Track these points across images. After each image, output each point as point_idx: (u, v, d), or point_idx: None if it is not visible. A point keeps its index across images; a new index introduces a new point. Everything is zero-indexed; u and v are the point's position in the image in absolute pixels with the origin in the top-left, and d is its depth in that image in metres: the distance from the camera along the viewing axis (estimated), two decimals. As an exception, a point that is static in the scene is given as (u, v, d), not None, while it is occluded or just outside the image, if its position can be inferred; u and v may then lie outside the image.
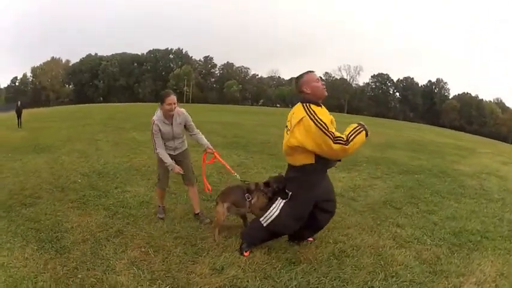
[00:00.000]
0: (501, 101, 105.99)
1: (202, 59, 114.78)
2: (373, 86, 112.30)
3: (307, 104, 3.76)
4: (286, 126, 3.96)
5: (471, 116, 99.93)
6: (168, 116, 4.86)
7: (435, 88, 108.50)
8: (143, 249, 4.30)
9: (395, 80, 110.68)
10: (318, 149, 3.66)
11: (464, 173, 11.09)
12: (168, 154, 4.95)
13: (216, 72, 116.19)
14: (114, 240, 4.55)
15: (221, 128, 15.99)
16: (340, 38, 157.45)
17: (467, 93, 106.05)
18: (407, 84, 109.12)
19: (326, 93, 3.94)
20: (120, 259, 4.07)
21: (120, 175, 7.96)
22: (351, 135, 3.66)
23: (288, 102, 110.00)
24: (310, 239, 4.65)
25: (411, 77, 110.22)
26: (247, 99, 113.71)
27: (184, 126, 5.09)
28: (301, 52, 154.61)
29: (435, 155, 14.37)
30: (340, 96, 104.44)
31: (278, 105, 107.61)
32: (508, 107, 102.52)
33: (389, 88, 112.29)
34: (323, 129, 3.58)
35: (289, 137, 3.78)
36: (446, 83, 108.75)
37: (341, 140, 3.60)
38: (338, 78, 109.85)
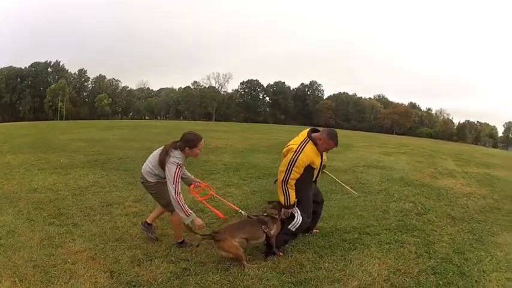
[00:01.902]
0: (383, 96, 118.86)
1: (77, 72, 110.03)
2: (242, 93, 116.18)
3: (310, 141, 4.93)
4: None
5: (348, 113, 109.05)
6: (185, 159, 4.80)
7: (308, 90, 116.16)
8: (12, 280, 4.05)
9: (265, 85, 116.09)
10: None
11: (336, 169, 11.54)
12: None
13: (89, 85, 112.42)
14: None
15: (86, 145, 15.48)
16: (211, 47, 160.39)
17: (344, 92, 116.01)
18: (278, 88, 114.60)
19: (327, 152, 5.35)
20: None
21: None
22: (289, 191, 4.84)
23: (156, 114, 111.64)
24: (315, 230, 5.72)
25: (282, 81, 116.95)
26: (117, 112, 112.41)
27: None
28: (170, 62, 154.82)
29: None
30: (208, 104, 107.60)
31: (147, 118, 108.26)
32: (391, 102, 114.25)
33: (259, 93, 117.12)
34: (290, 164, 4.78)
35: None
36: (320, 84, 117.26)
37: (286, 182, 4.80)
38: (207, 86, 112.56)
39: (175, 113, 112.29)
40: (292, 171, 4.73)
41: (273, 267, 4.47)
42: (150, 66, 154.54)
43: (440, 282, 4.41)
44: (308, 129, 5.19)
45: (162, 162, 4.65)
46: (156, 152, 4.90)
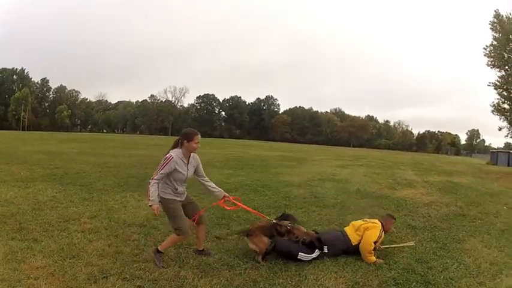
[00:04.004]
0: (340, 110, 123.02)
1: (40, 81, 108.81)
2: (198, 107, 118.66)
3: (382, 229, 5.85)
4: (365, 220, 6.07)
5: (304, 127, 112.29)
6: (187, 155, 5.12)
7: (264, 105, 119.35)
8: None
9: (221, 99, 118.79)
10: (366, 237, 5.65)
11: (290, 184, 11.66)
12: (175, 200, 5.12)
13: (50, 96, 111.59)
14: None
15: (46, 158, 15.47)
16: (168, 61, 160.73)
17: (300, 106, 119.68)
18: (233, 103, 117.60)
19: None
20: None
21: None
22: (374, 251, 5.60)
23: (113, 127, 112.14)
24: None
25: (238, 95, 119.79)
26: (77, 125, 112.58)
27: (195, 169, 5.29)
28: (128, 74, 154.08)
29: (257, 170, 15.01)
30: (165, 118, 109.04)
31: (104, 131, 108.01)
32: (347, 115, 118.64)
33: (215, 108, 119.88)
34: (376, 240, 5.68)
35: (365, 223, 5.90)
36: (276, 99, 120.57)
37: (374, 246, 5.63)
38: (163, 100, 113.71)
39: (132, 127, 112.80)
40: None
41: (226, 285, 4.48)
42: (108, 78, 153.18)
43: (404, 293, 4.33)
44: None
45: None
46: None
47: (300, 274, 4.84)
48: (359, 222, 5.98)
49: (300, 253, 5.30)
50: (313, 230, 6.03)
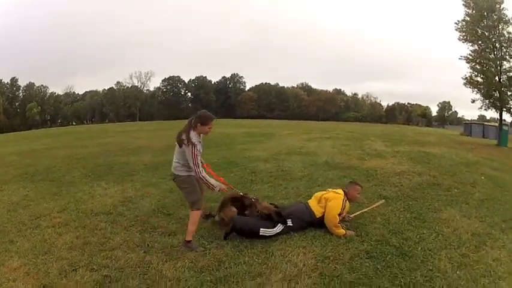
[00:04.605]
0: (307, 84, 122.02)
1: (9, 81, 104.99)
2: (164, 90, 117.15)
3: (346, 197, 5.69)
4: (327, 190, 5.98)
5: (271, 103, 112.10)
6: (200, 135, 5.27)
7: (230, 83, 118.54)
8: None
9: (186, 80, 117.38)
10: (329, 208, 5.49)
11: (257, 159, 11.50)
12: (190, 175, 5.20)
13: (20, 95, 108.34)
14: None
15: (18, 158, 15.18)
16: (132, 46, 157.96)
17: (266, 83, 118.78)
18: (199, 83, 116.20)
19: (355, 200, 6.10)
20: None
21: None
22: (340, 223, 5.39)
23: (82, 119, 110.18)
24: None
25: (204, 75, 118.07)
26: (47, 120, 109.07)
27: None
28: (93, 63, 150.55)
29: (223, 148, 14.74)
30: (132, 104, 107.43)
31: (74, 123, 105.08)
32: (314, 89, 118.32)
33: (181, 89, 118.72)
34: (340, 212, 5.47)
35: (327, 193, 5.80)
36: (241, 76, 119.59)
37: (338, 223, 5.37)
38: (130, 86, 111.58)
39: (101, 116, 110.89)
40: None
41: (190, 267, 4.54)
42: (74, 69, 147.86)
43: (379, 266, 4.31)
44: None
45: (179, 142, 5.10)
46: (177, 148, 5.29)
47: (267, 251, 4.80)
48: (321, 193, 5.88)
49: (261, 229, 5.25)
50: (271, 204, 5.97)
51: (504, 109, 23.53)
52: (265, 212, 5.48)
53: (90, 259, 4.86)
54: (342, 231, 5.23)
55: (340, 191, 5.74)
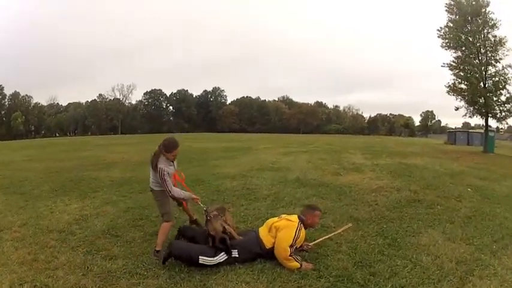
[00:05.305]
0: (288, 97, 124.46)
1: None
2: (146, 103, 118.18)
3: (301, 224, 5.08)
4: (280, 217, 5.39)
5: (252, 116, 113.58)
6: (171, 161, 5.59)
7: (211, 97, 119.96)
8: None
9: (168, 94, 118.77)
10: (279, 238, 4.92)
11: (225, 176, 11.03)
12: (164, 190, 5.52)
13: (6, 103, 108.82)
14: None
15: None
16: (116, 59, 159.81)
17: (247, 96, 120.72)
18: (180, 96, 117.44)
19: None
20: None
21: None
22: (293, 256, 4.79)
23: (65, 131, 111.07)
24: None
25: (185, 89, 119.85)
26: (31, 131, 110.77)
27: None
28: (79, 75, 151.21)
29: (195, 163, 14.38)
30: (114, 117, 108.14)
31: (57, 135, 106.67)
32: (295, 102, 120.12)
33: (163, 103, 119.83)
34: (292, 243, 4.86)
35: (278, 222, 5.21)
36: (223, 90, 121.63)
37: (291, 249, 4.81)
38: (112, 99, 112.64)
39: (83, 128, 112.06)
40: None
41: None
42: (58, 80, 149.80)
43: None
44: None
45: (153, 166, 5.45)
46: None
47: (205, 285, 4.45)
48: (273, 220, 5.38)
49: (200, 256, 4.83)
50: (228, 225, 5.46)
51: (490, 115, 23.44)
52: (211, 234, 5.07)
53: (35, 276, 4.83)
54: (295, 264, 4.68)
55: (295, 217, 5.10)
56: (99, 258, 5.32)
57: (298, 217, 5.17)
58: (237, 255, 4.86)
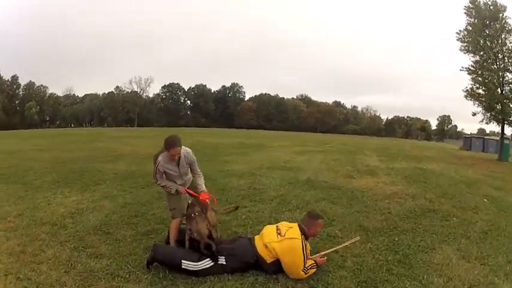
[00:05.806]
0: (306, 96, 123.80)
1: (10, 79, 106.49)
2: (164, 97, 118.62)
3: (303, 237, 4.59)
4: (278, 229, 4.75)
5: (269, 114, 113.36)
6: (172, 160, 5.34)
7: (229, 92, 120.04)
8: None
9: (186, 88, 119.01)
10: (289, 264, 4.40)
11: (233, 174, 10.69)
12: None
13: (20, 93, 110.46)
14: None
15: (2, 157, 15.27)
16: (133, 50, 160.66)
17: (266, 93, 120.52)
18: (198, 91, 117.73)
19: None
20: None
21: None
22: (309, 268, 4.40)
23: (81, 122, 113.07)
24: None
25: (204, 84, 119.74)
26: (45, 121, 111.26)
27: (190, 166, 5.59)
28: (96, 67, 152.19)
29: (206, 159, 13.83)
30: (130, 109, 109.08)
31: (73, 125, 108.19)
32: (314, 101, 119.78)
33: (180, 97, 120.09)
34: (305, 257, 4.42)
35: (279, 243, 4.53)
36: (241, 86, 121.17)
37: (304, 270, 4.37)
38: (129, 91, 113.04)
39: (99, 120, 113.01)
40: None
41: None
42: (75, 71, 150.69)
43: None
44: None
45: (154, 159, 5.46)
46: None
47: None
48: (270, 235, 4.71)
49: (183, 260, 4.57)
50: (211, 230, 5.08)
51: (506, 122, 23.02)
52: (195, 237, 4.76)
53: (20, 268, 4.82)
54: (313, 271, 4.40)
55: (296, 230, 4.60)
56: (84, 255, 5.20)
57: (299, 226, 4.70)
58: (224, 263, 4.54)
